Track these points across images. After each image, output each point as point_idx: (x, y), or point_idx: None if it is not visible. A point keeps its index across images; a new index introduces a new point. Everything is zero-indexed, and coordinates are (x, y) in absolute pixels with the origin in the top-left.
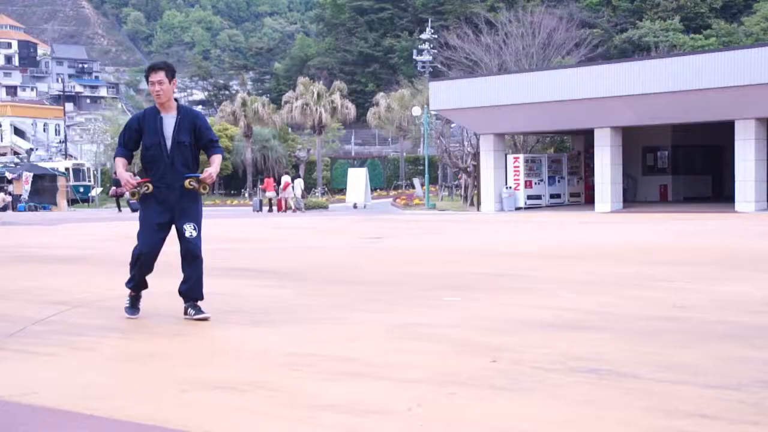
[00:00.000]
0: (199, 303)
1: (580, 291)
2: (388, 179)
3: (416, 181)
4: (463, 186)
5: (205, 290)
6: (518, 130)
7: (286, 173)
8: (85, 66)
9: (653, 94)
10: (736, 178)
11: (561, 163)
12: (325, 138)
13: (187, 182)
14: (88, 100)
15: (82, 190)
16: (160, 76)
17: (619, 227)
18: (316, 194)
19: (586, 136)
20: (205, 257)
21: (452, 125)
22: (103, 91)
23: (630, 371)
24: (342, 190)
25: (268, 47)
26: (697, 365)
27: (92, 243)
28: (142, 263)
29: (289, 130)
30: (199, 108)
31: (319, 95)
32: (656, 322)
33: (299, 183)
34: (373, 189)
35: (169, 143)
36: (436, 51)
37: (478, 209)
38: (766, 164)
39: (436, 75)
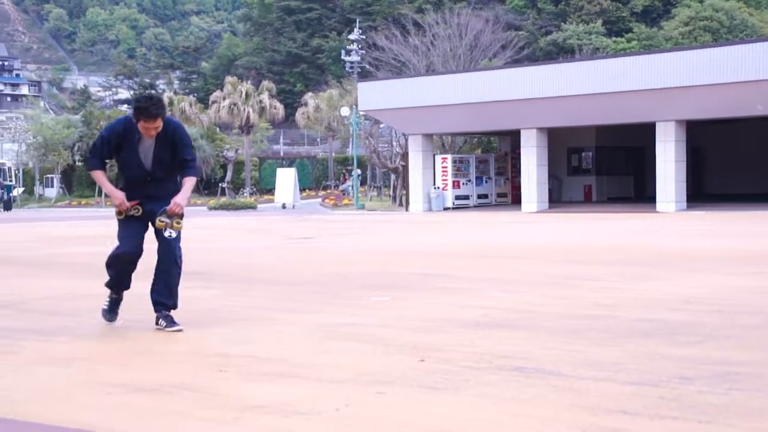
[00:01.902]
0: (172, 312)
1: (508, 290)
2: (316, 179)
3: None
4: (391, 186)
5: (129, 292)
6: (446, 131)
7: None
8: (5, 63)
9: (578, 96)
10: (657, 179)
11: (488, 163)
12: (254, 138)
13: (157, 221)
14: (8, 99)
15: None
16: (158, 123)
17: (546, 227)
18: (245, 194)
19: (513, 137)
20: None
21: (381, 125)
22: (24, 89)
23: (555, 369)
24: (271, 191)
25: (195, 46)
26: (619, 362)
27: (15, 244)
28: (122, 264)
29: (217, 129)
30: (124, 107)
31: (247, 95)
32: (581, 320)
33: None
34: (302, 189)
35: (149, 162)
36: (364, 51)
37: (406, 209)
38: (686, 165)
39: (364, 75)
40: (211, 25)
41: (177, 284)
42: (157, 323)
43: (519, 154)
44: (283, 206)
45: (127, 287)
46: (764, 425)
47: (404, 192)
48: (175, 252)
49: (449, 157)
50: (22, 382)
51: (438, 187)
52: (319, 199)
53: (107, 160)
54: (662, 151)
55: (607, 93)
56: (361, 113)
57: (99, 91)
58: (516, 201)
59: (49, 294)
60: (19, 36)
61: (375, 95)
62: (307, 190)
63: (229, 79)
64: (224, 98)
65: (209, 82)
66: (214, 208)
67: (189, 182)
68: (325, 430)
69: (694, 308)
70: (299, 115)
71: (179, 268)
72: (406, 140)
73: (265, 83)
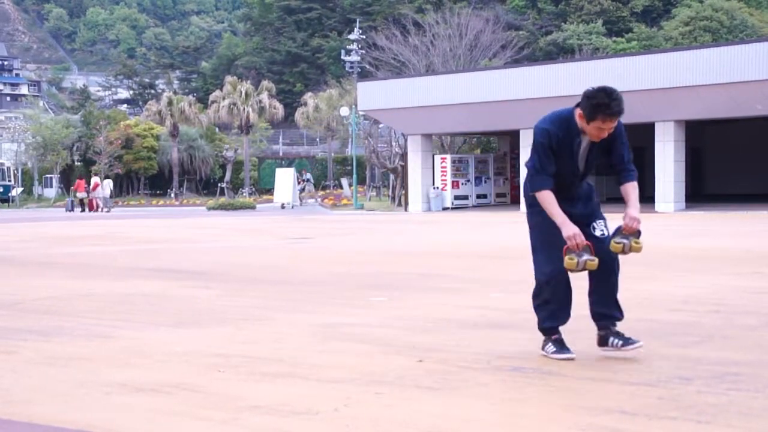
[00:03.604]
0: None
1: (508, 291)
2: (316, 179)
3: (344, 182)
4: (390, 186)
5: (127, 291)
6: (446, 131)
7: (95, 174)
8: (5, 63)
9: (576, 96)
10: (656, 179)
11: (487, 163)
12: (253, 138)
13: (612, 244)
14: (8, 98)
15: (1, 189)
16: (615, 123)
17: None
18: (244, 194)
19: (512, 137)
20: (130, 258)
21: (380, 125)
22: (24, 89)
23: (553, 369)
24: (270, 191)
25: (195, 46)
26: (618, 363)
27: (14, 244)
28: (554, 292)
29: (216, 129)
30: (123, 107)
31: (246, 95)
32: (580, 321)
33: (108, 183)
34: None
35: (581, 167)
36: (364, 51)
37: (405, 209)
38: (685, 165)
39: (364, 75)
40: (211, 25)
41: (617, 292)
42: (606, 344)
43: (518, 154)
44: (282, 206)
45: (568, 316)
46: (763, 425)
47: (403, 192)
48: (612, 254)
49: (448, 157)
50: (21, 382)
51: (437, 187)
52: (318, 199)
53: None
54: (661, 151)
55: None
56: (361, 113)
57: (99, 91)
58: (515, 201)
59: (48, 294)
60: (19, 36)
61: (375, 95)
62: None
63: (228, 78)
64: (224, 98)
65: (209, 82)
66: (213, 209)
67: (635, 189)
68: (323, 430)
69: (693, 308)
70: (299, 115)
71: (617, 275)
72: (406, 140)
73: (265, 83)
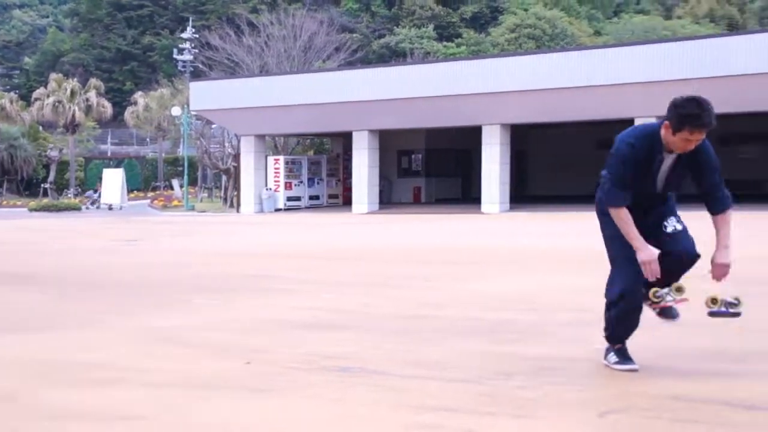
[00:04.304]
0: None
1: (339, 291)
2: (145, 180)
3: (175, 183)
4: (223, 187)
5: None
6: (279, 132)
7: None
8: None
9: (408, 99)
10: (482, 181)
11: (320, 165)
12: (80, 137)
13: (652, 296)
14: None
15: None
16: (703, 135)
17: (377, 228)
18: (69, 195)
19: (345, 139)
20: None
21: (213, 126)
22: None
23: (381, 369)
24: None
25: (18, 41)
26: (444, 361)
27: None
28: (625, 311)
29: (40, 128)
30: None
31: (72, 93)
32: (408, 320)
33: None
34: (131, 190)
35: (661, 184)
36: (197, 50)
37: (237, 211)
38: (510, 167)
39: (197, 75)
40: (34, 19)
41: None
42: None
43: (351, 155)
44: (110, 207)
45: (634, 329)
46: (577, 416)
47: (236, 193)
48: (691, 254)
49: (281, 158)
50: None
51: (270, 189)
52: (148, 201)
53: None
54: (488, 154)
55: (436, 96)
56: (193, 113)
57: None
58: (347, 202)
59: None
60: None
61: (207, 95)
62: (135, 191)
63: (53, 76)
64: (48, 96)
65: (32, 79)
66: (35, 210)
67: (726, 223)
68: None
69: (513, 307)
70: (128, 115)
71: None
72: (239, 141)
73: (93, 81)
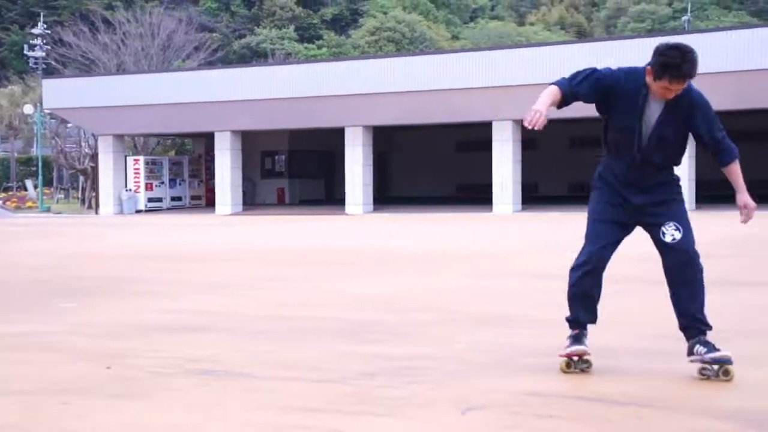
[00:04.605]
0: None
1: (203, 292)
2: None
3: (29, 183)
4: (80, 188)
5: None
6: (138, 132)
7: None
8: None
9: (272, 100)
10: (346, 182)
11: (182, 165)
12: None
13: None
14: None
15: None
16: (683, 86)
17: (240, 229)
18: None
19: (207, 139)
20: None
21: (68, 125)
22: None
23: (246, 371)
24: None
25: None
26: (308, 362)
27: None
28: (580, 279)
29: None
30: None
31: None
32: (273, 321)
33: None
34: None
35: (647, 134)
36: (49, 47)
37: (96, 212)
38: (373, 169)
39: (50, 72)
40: None
41: (704, 298)
42: (692, 353)
43: (213, 156)
44: None
45: (591, 315)
46: (439, 414)
47: (94, 194)
48: (694, 259)
49: (141, 158)
50: None
51: (130, 190)
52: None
53: (575, 99)
54: (350, 155)
55: (298, 98)
56: (47, 112)
57: None
58: (210, 203)
59: None
60: None
61: (62, 93)
62: None
63: None
64: None
65: None
66: None
67: (737, 170)
68: None
69: (376, 307)
70: None
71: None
72: (96, 141)
73: None
